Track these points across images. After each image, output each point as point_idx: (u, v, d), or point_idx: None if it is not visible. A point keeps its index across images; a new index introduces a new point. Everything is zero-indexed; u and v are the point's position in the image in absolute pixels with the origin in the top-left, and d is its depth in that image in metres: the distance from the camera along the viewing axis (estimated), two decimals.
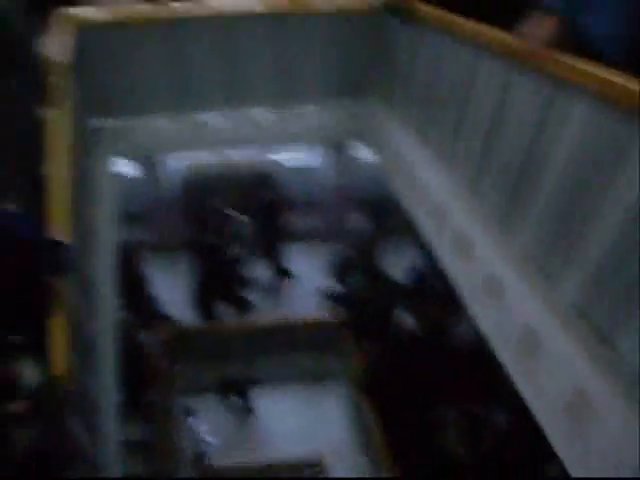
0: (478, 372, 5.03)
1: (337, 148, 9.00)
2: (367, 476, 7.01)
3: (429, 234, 4.55)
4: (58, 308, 3.49)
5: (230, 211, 8.28)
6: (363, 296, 6.78)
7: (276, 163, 9.80)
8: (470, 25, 3.48)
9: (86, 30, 4.90)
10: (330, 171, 9.61)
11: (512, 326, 3.18)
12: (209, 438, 7.74)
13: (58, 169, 4.00)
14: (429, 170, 4.43)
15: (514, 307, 3.20)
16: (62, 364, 3.26)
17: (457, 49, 3.77)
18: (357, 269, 7.56)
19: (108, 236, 5.21)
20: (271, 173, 9.85)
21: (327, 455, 7.58)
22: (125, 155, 6.74)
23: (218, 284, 8.49)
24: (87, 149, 5.10)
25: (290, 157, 9.83)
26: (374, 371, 5.96)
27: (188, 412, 7.83)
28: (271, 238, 9.16)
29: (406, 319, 5.36)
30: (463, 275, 3.94)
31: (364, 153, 8.60)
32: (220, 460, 7.57)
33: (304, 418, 7.88)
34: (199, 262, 8.33)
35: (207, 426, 7.78)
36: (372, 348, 6.56)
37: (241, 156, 9.66)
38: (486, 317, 3.57)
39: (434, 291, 6.21)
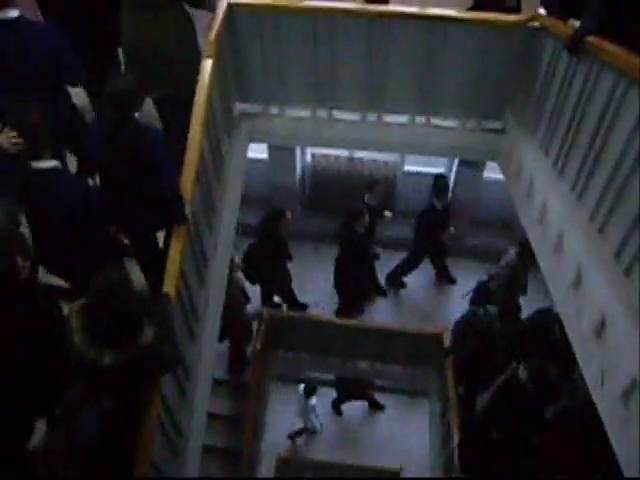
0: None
1: (464, 163, 8.79)
2: None
3: (547, 268, 4.36)
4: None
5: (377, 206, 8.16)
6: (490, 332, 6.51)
7: (401, 168, 9.68)
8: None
9: (240, 14, 5.05)
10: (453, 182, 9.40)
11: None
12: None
13: (195, 143, 4.15)
14: (556, 198, 4.24)
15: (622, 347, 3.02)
16: None
17: (599, 73, 3.61)
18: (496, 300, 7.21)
19: (230, 218, 5.33)
20: (394, 179, 9.75)
21: (407, 468, 7.50)
22: (262, 141, 6.88)
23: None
24: (228, 130, 5.25)
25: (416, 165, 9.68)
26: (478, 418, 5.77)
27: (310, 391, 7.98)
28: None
29: (521, 372, 5.18)
30: (574, 315, 3.74)
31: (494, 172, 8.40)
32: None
33: (390, 428, 7.82)
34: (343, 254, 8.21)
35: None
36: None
37: (367, 154, 9.61)
38: (591, 364, 3.39)
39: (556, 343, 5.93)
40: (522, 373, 5.14)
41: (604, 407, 3.18)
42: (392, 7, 5.25)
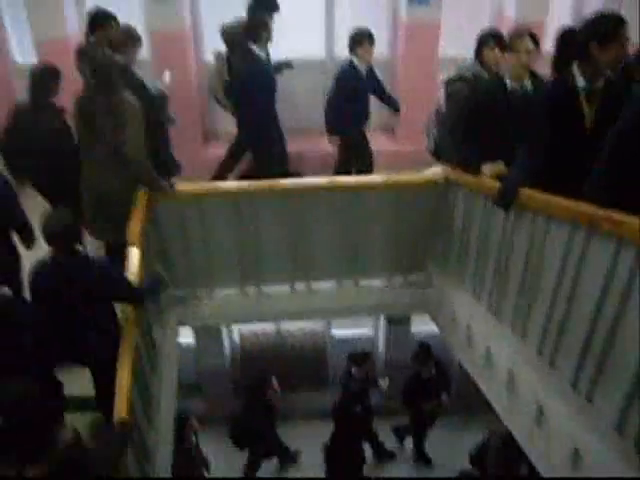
0: None
1: (392, 320, 8.89)
2: None
3: (504, 410, 4.31)
4: None
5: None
6: None
7: (329, 335, 9.68)
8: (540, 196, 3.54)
9: (161, 205, 5.14)
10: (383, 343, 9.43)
11: None
12: None
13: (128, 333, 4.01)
14: (498, 341, 4.30)
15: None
16: None
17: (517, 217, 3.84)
18: None
19: (169, 407, 5.07)
20: (324, 346, 9.69)
21: None
22: (192, 323, 6.77)
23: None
24: (158, 316, 5.15)
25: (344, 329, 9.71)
26: None
27: None
28: None
29: None
30: (542, 455, 3.66)
31: (421, 326, 8.53)
32: None
33: None
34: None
35: None
36: None
37: (295, 326, 9.60)
38: None
39: None
40: None
41: None
42: (305, 180, 5.50)
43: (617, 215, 2.77)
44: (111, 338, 3.93)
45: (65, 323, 3.82)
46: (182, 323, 5.84)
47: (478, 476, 6.31)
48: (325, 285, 5.80)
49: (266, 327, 9.50)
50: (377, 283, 5.83)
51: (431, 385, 7.70)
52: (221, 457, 8.06)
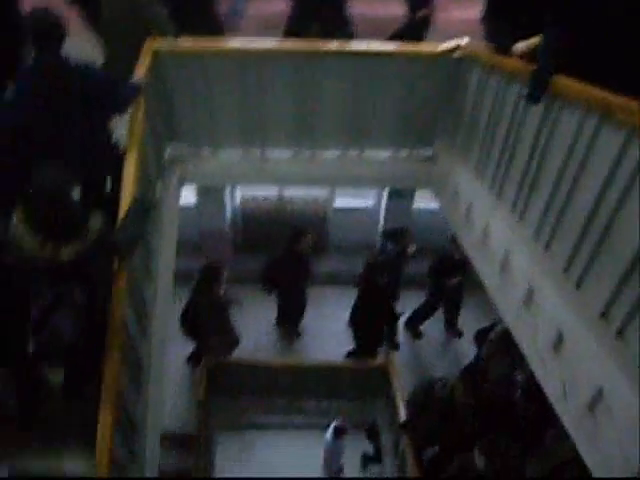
0: None
1: (395, 193, 8.90)
2: None
3: (495, 289, 4.39)
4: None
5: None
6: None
7: (331, 204, 9.72)
8: None
9: (165, 59, 4.97)
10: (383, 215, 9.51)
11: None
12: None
13: (129, 190, 4.00)
14: (497, 221, 4.31)
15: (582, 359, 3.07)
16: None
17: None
18: None
19: (168, 263, 5.17)
20: (325, 214, 9.77)
21: None
22: (195, 183, 6.78)
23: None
24: (160, 174, 5.14)
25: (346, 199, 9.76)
26: None
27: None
28: None
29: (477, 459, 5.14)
30: (527, 335, 3.77)
31: (424, 200, 8.57)
32: None
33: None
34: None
35: None
36: None
37: (296, 193, 9.65)
38: (552, 379, 3.41)
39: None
40: (478, 460, 5.10)
41: (570, 421, 3.19)
42: (317, 44, 5.27)
43: (633, 104, 2.67)
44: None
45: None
46: (184, 181, 5.83)
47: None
48: (329, 153, 5.74)
49: (268, 193, 9.52)
50: (382, 155, 5.77)
51: (459, 266, 7.68)
52: None
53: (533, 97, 3.48)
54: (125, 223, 3.49)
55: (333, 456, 7.34)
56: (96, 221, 3.08)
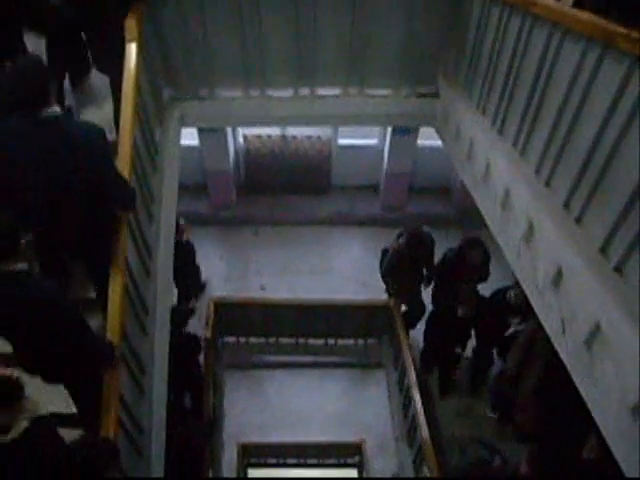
0: None
1: (400, 132, 8.81)
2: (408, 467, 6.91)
3: (496, 225, 4.38)
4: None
5: None
6: None
7: (335, 142, 9.64)
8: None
9: None
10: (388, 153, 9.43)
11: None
12: None
13: (127, 132, 3.98)
14: (498, 157, 4.25)
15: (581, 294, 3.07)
16: None
17: (532, 27, 3.61)
18: None
19: (170, 205, 5.17)
20: (329, 153, 9.70)
21: (368, 441, 7.53)
22: (194, 124, 6.72)
23: None
24: (159, 116, 5.09)
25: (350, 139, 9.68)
26: None
27: None
28: None
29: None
30: (527, 271, 3.78)
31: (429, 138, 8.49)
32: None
33: (347, 403, 7.82)
34: None
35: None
36: None
37: (299, 131, 9.58)
38: (551, 314, 3.43)
39: None
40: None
41: (567, 355, 3.22)
42: None
43: (635, 33, 2.59)
44: None
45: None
46: (184, 123, 5.76)
47: None
48: (330, 91, 5.64)
49: (271, 132, 9.44)
50: (384, 92, 5.66)
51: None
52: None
53: None
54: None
55: None
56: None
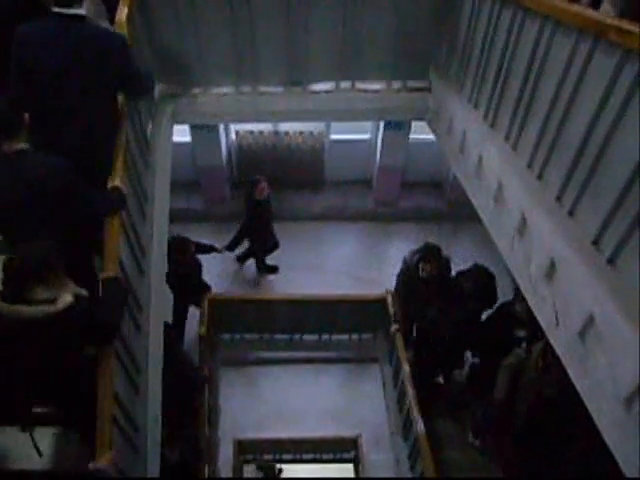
0: None
1: (392, 126, 8.81)
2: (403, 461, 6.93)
3: (489, 219, 4.39)
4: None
5: None
6: None
7: (327, 137, 9.64)
8: None
9: None
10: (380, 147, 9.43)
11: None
12: None
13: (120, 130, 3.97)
14: (490, 150, 4.25)
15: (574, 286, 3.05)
16: None
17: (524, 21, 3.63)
18: None
19: (163, 203, 5.15)
20: (321, 148, 9.69)
21: (364, 436, 7.54)
22: (186, 121, 6.71)
23: None
24: (151, 113, 5.08)
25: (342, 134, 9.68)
26: None
27: None
28: None
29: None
30: (520, 264, 3.78)
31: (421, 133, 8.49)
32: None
33: (343, 398, 7.82)
34: None
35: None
36: None
37: (291, 127, 9.57)
38: (545, 307, 3.43)
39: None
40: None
41: (561, 347, 3.23)
42: None
43: (626, 25, 2.60)
44: None
45: None
46: (176, 120, 5.75)
47: None
48: (322, 87, 5.64)
49: (264, 127, 9.43)
50: (376, 86, 5.67)
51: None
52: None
53: None
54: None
55: None
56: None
